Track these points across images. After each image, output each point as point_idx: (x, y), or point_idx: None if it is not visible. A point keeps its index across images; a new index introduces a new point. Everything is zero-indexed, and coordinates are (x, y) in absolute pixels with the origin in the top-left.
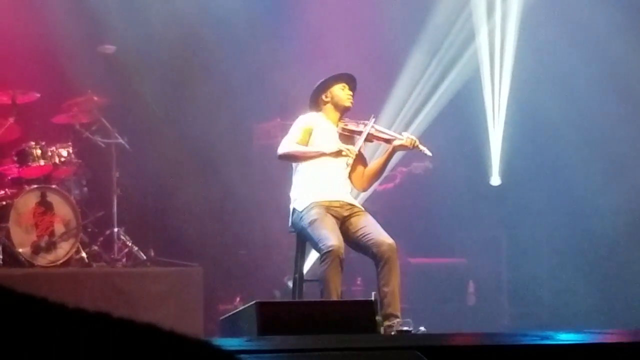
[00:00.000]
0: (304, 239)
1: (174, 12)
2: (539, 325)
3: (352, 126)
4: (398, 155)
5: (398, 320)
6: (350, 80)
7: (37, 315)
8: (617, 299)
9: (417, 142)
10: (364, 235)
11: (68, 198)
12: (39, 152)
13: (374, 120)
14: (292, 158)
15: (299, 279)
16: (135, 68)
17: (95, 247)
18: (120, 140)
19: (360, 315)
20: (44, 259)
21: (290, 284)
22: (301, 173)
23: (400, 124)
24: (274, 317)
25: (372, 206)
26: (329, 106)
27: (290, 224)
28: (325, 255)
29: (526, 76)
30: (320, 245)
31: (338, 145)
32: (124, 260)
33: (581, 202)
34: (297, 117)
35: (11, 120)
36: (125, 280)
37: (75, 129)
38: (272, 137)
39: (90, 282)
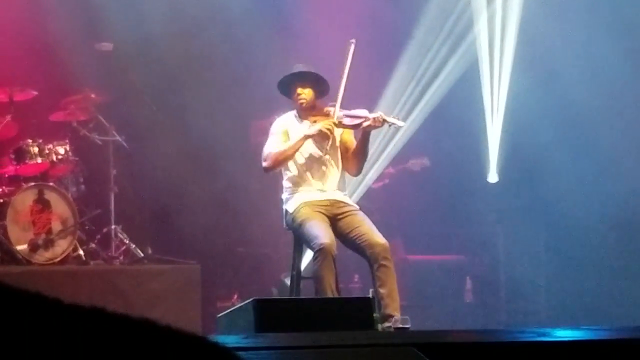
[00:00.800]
0: (299, 238)
1: (172, 10)
2: (537, 321)
3: (320, 117)
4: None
5: (396, 318)
6: (296, 79)
7: (32, 309)
8: (614, 296)
9: (384, 117)
10: (357, 237)
11: (65, 196)
12: (36, 149)
13: (333, 108)
14: (280, 161)
15: (297, 276)
16: (132, 65)
17: (93, 245)
18: (118, 138)
19: (357, 312)
20: (41, 257)
21: (287, 281)
22: (289, 175)
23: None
24: (272, 314)
25: (369, 204)
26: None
27: (284, 224)
28: (317, 254)
29: (527, 69)
30: (312, 243)
31: (317, 126)
32: (122, 258)
33: (579, 199)
34: None
35: (8, 117)
36: (123, 278)
37: (72, 127)
38: (268, 134)
39: (88, 279)
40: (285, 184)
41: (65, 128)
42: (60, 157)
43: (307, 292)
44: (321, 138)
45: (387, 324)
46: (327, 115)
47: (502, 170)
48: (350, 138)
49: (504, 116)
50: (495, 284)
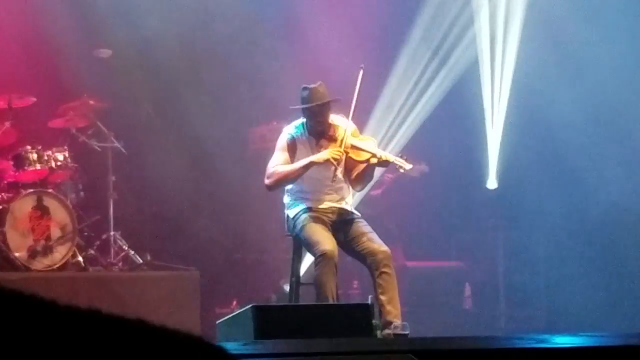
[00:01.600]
0: (300, 244)
1: (170, 16)
2: (536, 327)
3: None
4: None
5: (395, 324)
6: (318, 112)
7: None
8: (614, 302)
9: (390, 159)
10: (359, 244)
11: (64, 202)
12: (35, 156)
13: (344, 133)
14: (281, 183)
15: (296, 282)
16: (131, 72)
17: (92, 251)
18: (117, 144)
19: (356, 319)
20: (40, 263)
21: (286, 287)
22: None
23: (394, 124)
24: (271, 321)
25: (369, 210)
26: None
27: (286, 229)
28: (319, 259)
29: (531, 69)
30: (314, 249)
31: (326, 154)
32: (121, 264)
33: (578, 205)
34: (292, 121)
35: (7, 124)
36: (122, 284)
37: (71, 133)
38: (267, 140)
39: (87, 286)
40: (288, 188)
41: (64, 134)
42: (59, 163)
43: (306, 298)
44: (327, 165)
45: (387, 331)
46: (336, 140)
47: (501, 177)
48: (355, 160)
49: (504, 121)
50: (495, 290)
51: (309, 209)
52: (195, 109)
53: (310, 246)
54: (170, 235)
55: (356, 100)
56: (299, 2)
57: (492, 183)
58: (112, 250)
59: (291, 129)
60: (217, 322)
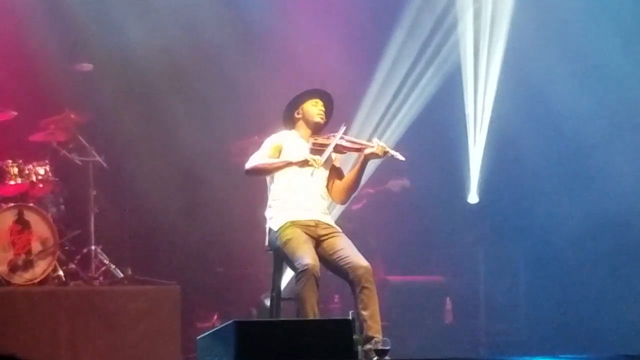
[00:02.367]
0: (280, 258)
1: (151, 31)
2: (516, 342)
3: (321, 140)
4: (377, 172)
5: (376, 339)
6: (322, 96)
7: None
8: (595, 316)
9: (387, 148)
10: (340, 259)
11: (45, 216)
12: (16, 170)
13: (344, 128)
14: (259, 172)
15: (277, 297)
16: (112, 86)
17: (73, 265)
18: (98, 158)
19: (338, 334)
20: (21, 277)
21: (267, 301)
22: (275, 192)
23: (376, 131)
24: (251, 337)
25: (349, 224)
26: (301, 123)
27: (267, 243)
28: (301, 274)
29: (512, 85)
30: (295, 264)
31: (304, 155)
32: (101, 278)
33: (559, 219)
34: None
35: None
36: (103, 298)
37: (52, 147)
38: (249, 154)
39: (68, 300)
40: (271, 201)
41: (45, 148)
42: (40, 177)
43: (287, 312)
44: (302, 167)
45: (368, 346)
46: (328, 139)
47: (482, 191)
48: (341, 169)
49: (486, 136)
50: (475, 304)
51: (292, 223)
52: (177, 122)
53: (292, 260)
54: (151, 249)
55: (333, 147)
56: (283, 16)
57: (473, 197)
58: (92, 265)
59: (282, 132)
60: (198, 337)
